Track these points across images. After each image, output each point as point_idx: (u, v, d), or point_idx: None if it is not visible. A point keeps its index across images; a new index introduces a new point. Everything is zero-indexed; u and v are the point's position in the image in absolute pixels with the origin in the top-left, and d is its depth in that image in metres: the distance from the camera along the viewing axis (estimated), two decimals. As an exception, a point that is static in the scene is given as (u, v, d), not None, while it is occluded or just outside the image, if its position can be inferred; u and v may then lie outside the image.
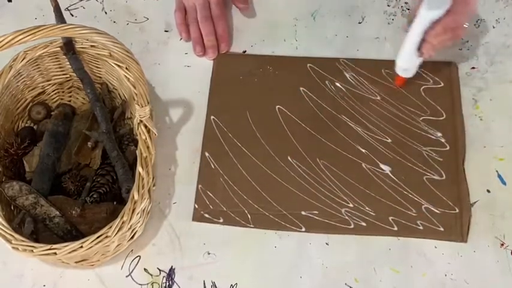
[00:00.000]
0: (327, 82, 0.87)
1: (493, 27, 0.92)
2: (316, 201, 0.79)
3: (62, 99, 0.88)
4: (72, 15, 0.97)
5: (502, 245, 0.75)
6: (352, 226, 0.77)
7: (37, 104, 0.86)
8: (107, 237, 0.67)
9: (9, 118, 0.83)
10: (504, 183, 0.79)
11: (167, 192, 0.81)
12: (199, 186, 0.81)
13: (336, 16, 0.95)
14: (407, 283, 0.74)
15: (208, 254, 0.77)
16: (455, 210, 0.77)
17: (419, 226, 0.76)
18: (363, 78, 0.88)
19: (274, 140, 0.83)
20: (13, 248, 0.67)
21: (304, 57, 0.90)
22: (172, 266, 0.76)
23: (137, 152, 0.73)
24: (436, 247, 0.75)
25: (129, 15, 0.97)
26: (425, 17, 0.75)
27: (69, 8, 0.97)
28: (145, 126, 0.73)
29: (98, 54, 0.81)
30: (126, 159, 0.78)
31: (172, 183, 0.82)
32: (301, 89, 0.87)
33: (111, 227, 0.68)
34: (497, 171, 0.80)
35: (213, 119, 0.85)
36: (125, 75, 0.77)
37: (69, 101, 0.88)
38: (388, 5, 0.95)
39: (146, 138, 0.73)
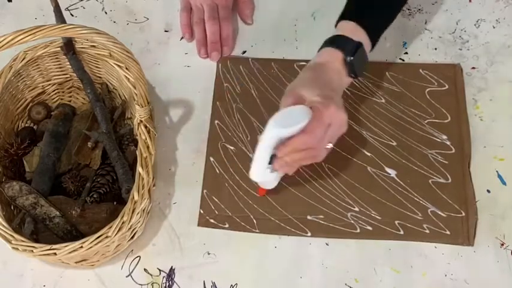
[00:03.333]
0: None
1: (493, 27, 0.92)
2: (322, 206, 0.78)
3: (62, 99, 0.88)
4: (72, 15, 0.97)
5: (502, 245, 0.75)
6: (358, 230, 0.76)
7: (37, 104, 0.86)
8: (107, 237, 0.67)
9: (9, 118, 0.83)
10: (504, 183, 0.79)
11: (167, 192, 0.81)
12: (204, 191, 0.80)
13: (336, 16, 0.94)
14: (407, 283, 0.73)
15: (208, 254, 0.77)
16: (462, 213, 0.77)
17: (425, 230, 0.76)
18: (367, 81, 0.87)
19: None
20: (13, 248, 0.67)
21: (309, 60, 0.89)
22: (172, 266, 0.76)
23: (137, 152, 0.73)
24: (436, 247, 0.75)
25: (129, 15, 0.97)
26: (271, 133, 0.68)
27: (69, 8, 0.97)
28: (146, 127, 0.73)
29: (98, 54, 0.81)
30: (126, 159, 0.78)
31: (172, 183, 0.82)
32: None
33: (111, 227, 0.68)
34: (497, 171, 0.80)
35: (217, 123, 0.85)
36: (125, 75, 0.77)
37: (69, 101, 0.88)
38: (388, 5, 0.95)
39: (146, 138, 0.73)
